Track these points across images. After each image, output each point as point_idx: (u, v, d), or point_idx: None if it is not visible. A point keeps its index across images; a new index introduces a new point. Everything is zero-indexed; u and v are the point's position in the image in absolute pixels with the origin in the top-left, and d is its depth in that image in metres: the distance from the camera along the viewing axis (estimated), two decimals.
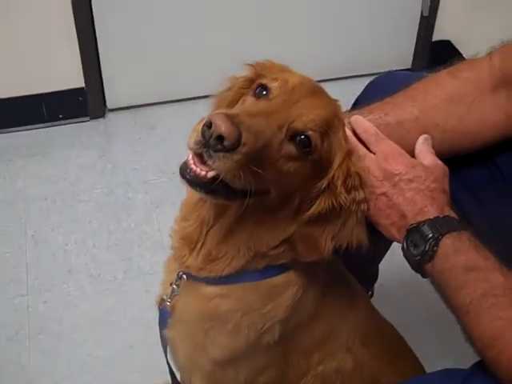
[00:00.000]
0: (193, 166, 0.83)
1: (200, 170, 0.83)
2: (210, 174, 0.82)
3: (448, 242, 0.90)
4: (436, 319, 1.74)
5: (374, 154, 0.99)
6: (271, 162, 0.86)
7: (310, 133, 0.88)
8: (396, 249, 1.32)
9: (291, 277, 1.02)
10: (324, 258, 0.95)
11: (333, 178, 0.92)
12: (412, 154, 1.00)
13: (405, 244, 0.94)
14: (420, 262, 0.92)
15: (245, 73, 1.01)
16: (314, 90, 0.94)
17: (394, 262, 1.58)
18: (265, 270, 1.00)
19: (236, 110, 0.92)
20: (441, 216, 0.92)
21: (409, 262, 0.94)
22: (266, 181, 0.87)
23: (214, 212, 0.98)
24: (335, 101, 0.98)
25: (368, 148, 1.00)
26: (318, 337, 1.09)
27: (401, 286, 1.81)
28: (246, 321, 1.01)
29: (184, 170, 0.84)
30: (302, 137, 0.88)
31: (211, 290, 1.02)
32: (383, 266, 1.60)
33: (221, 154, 0.80)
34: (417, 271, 0.94)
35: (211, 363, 1.06)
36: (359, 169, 0.94)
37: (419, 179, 0.95)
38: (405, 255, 0.94)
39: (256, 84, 0.95)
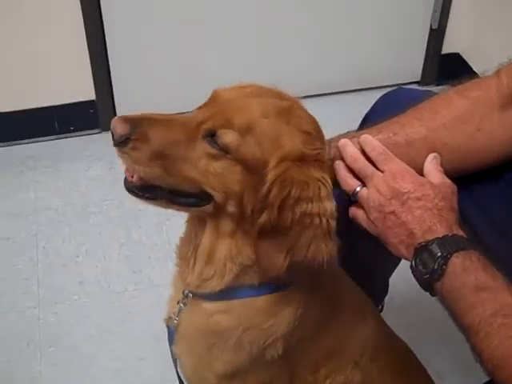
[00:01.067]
0: (125, 173, 0.94)
1: (128, 175, 0.94)
2: (135, 177, 0.93)
3: (457, 261, 0.90)
4: (446, 334, 1.72)
5: (383, 172, 0.99)
6: (191, 160, 0.91)
7: (220, 131, 0.89)
8: (407, 262, 1.33)
9: (291, 293, 1.02)
10: (279, 274, 0.92)
11: (269, 195, 0.89)
12: (421, 174, 1.00)
13: (413, 262, 0.94)
14: (429, 280, 0.92)
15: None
16: (243, 96, 0.94)
17: (404, 275, 1.57)
18: (262, 285, 1.00)
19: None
20: (449, 234, 0.92)
21: (417, 281, 0.95)
22: (196, 181, 0.91)
23: (195, 230, 1.02)
24: (271, 105, 0.94)
25: (376, 167, 1.00)
26: (324, 351, 1.09)
27: (411, 300, 1.80)
28: (247, 337, 1.02)
29: (124, 181, 0.95)
30: (215, 135, 0.90)
31: (211, 306, 1.04)
32: (394, 279, 1.60)
33: (118, 148, 0.90)
34: (426, 290, 0.95)
35: (216, 377, 1.07)
36: (313, 180, 0.90)
37: (428, 197, 0.95)
38: (413, 273, 0.94)
39: None
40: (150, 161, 0.90)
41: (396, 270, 1.55)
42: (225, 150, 0.89)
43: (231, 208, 0.93)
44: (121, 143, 0.89)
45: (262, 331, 1.01)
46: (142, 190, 0.94)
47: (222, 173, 0.91)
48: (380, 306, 1.59)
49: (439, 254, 0.90)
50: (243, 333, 1.01)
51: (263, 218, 0.89)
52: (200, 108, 0.96)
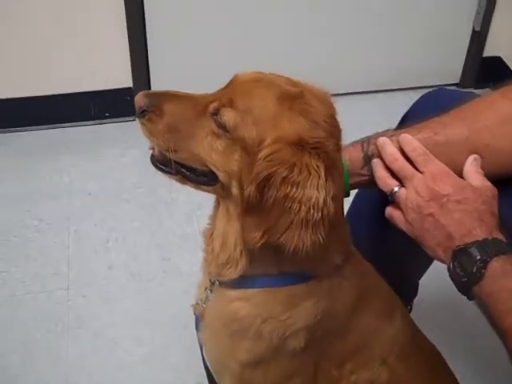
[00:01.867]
0: (149, 148, 1.02)
1: (151, 148, 1.01)
2: (155, 150, 1.00)
3: (496, 265, 0.89)
4: (474, 339, 1.73)
5: (422, 173, 0.98)
6: (198, 136, 0.95)
7: (221, 109, 0.92)
8: (438, 264, 1.32)
9: (312, 287, 1.01)
10: (253, 248, 0.92)
11: (257, 169, 0.89)
12: (460, 175, 0.99)
13: (451, 265, 0.93)
14: (467, 283, 0.91)
15: None
16: (254, 79, 0.96)
17: (434, 278, 1.57)
18: (282, 276, 1.00)
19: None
20: (489, 238, 0.91)
21: (455, 284, 0.94)
22: (201, 158, 0.95)
23: (213, 215, 1.06)
24: (278, 89, 0.93)
25: (416, 168, 0.99)
26: (351, 346, 1.09)
27: (441, 302, 1.80)
28: (267, 327, 1.02)
29: (150, 156, 1.02)
30: (218, 114, 0.93)
31: (231, 293, 1.04)
32: (424, 281, 1.59)
33: (138, 119, 0.98)
34: (463, 293, 0.93)
35: (238, 365, 1.07)
36: (300, 162, 0.87)
37: (468, 201, 0.94)
38: (451, 276, 0.93)
39: None
40: (163, 133, 0.96)
41: (426, 273, 1.54)
42: (223, 129, 0.92)
43: (235, 190, 0.95)
44: (140, 114, 0.97)
45: (281, 322, 1.01)
46: (162, 163, 1.00)
47: (222, 151, 0.93)
48: (409, 307, 1.58)
49: (478, 258, 0.89)
50: (262, 322, 1.02)
51: (246, 191, 0.90)
52: (218, 90, 0.99)
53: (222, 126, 0.92)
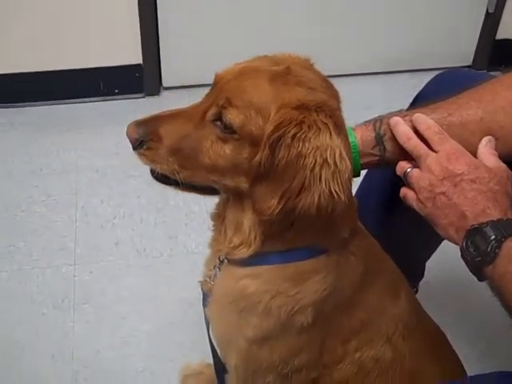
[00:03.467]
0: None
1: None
2: (156, 168, 0.97)
3: (511, 245, 0.88)
4: (480, 321, 1.73)
5: (436, 152, 0.97)
6: (205, 149, 0.93)
7: (223, 110, 0.91)
8: (444, 247, 1.31)
9: (321, 262, 1.01)
10: (270, 218, 0.91)
11: (267, 129, 0.88)
12: (474, 156, 0.98)
13: (464, 244, 0.92)
14: (480, 263, 0.90)
15: None
16: (241, 72, 0.94)
17: (441, 260, 1.57)
18: (289, 252, 1.01)
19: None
20: (504, 218, 0.90)
21: (467, 263, 0.93)
22: (211, 170, 0.94)
23: (222, 201, 1.06)
24: (266, 72, 0.92)
25: (429, 147, 0.98)
26: (356, 324, 1.09)
27: (446, 285, 1.79)
28: (275, 302, 1.02)
29: (150, 170, 1.01)
30: (221, 116, 0.91)
31: (240, 271, 1.05)
32: (431, 263, 1.58)
33: (136, 151, 0.97)
34: (474, 273, 0.93)
35: (245, 341, 1.07)
36: (308, 119, 0.87)
37: (482, 180, 0.93)
38: (463, 256, 0.93)
39: None
40: (165, 157, 0.95)
41: (434, 255, 1.54)
42: (231, 130, 0.90)
43: (244, 185, 0.94)
44: (138, 146, 0.96)
45: (289, 298, 1.02)
46: (164, 178, 0.99)
47: (231, 154, 0.92)
48: (415, 289, 1.58)
49: (493, 237, 0.88)
50: (271, 299, 1.02)
51: (257, 157, 0.88)
52: (205, 96, 0.97)
53: (228, 128, 0.91)
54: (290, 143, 0.86)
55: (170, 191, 2.05)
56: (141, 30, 2.34)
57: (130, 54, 2.39)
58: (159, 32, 2.37)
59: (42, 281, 1.82)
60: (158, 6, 2.31)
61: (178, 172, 0.95)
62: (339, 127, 0.90)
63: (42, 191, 2.09)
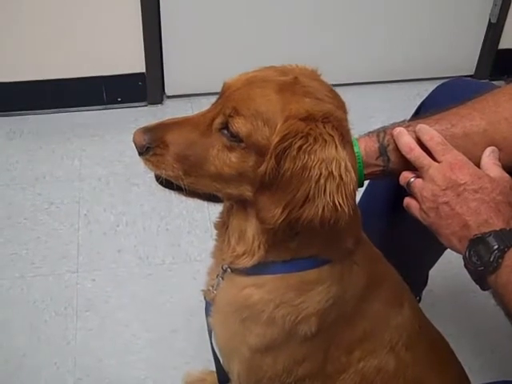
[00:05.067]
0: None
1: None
2: (163, 173, 0.97)
3: None
4: (481, 331, 1.73)
5: (439, 163, 0.97)
6: (211, 158, 0.94)
7: (230, 120, 0.90)
8: (448, 256, 1.31)
9: (324, 272, 1.02)
10: (273, 227, 0.92)
11: (273, 140, 0.89)
12: (478, 167, 0.98)
13: (467, 254, 0.92)
14: (483, 273, 0.91)
15: None
16: (249, 82, 0.94)
17: (444, 268, 1.57)
18: (293, 262, 1.01)
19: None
20: (507, 228, 0.90)
21: (470, 273, 0.93)
22: (218, 176, 0.94)
23: (226, 209, 1.06)
24: (274, 82, 0.93)
25: (432, 158, 0.99)
26: (360, 334, 1.09)
27: (450, 293, 1.80)
28: (279, 311, 1.02)
29: (154, 175, 1.00)
30: (228, 125, 0.91)
31: (244, 280, 1.05)
32: (434, 272, 1.58)
33: (142, 157, 0.96)
34: (477, 282, 0.93)
35: (249, 350, 1.08)
36: (314, 131, 0.87)
37: (485, 190, 0.93)
38: (466, 266, 0.93)
39: None
40: (172, 164, 0.95)
41: (437, 263, 1.54)
42: (237, 139, 0.91)
43: (248, 194, 0.95)
44: (144, 152, 0.96)
45: (293, 307, 1.02)
46: (168, 183, 0.98)
47: (236, 162, 0.92)
48: (418, 298, 1.58)
49: (496, 247, 0.89)
50: (275, 308, 1.02)
51: (263, 167, 0.89)
52: (213, 104, 0.97)
53: (235, 137, 0.91)
54: (296, 155, 0.87)
55: (173, 199, 2.09)
56: (144, 39, 2.34)
57: (133, 62, 2.40)
58: (162, 41, 2.37)
59: (45, 288, 1.82)
60: (161, 15, 2.31)
61: (183, 178, 0.95)
62: (345, 138, 0.91)
63: (45, 199, 2.10)
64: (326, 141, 0.87)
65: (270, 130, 0.89)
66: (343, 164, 0.87)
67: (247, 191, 0.95)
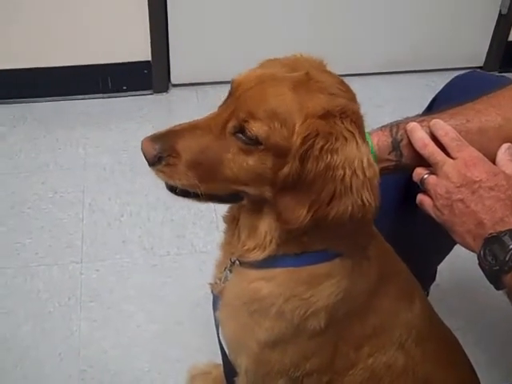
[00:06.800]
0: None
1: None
2: (177, 183, 0.93)
3: None
4: (490, 325, 1.72)
5: (454, 159, 0.96)
6: (227, 162, 0.91)
7: (245, 124, 0.88)
8: (456, 252, 1.30)
9: (335, 265, 1.00)
10: (298, 227, 0.91)
11: (294, 142, 0.88)
12: (493, 163, 0.96)
13: (482, 253, 0.90)
14: (498, 272, 0.89)
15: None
16: (260, 80, 0.91)
17: (453, 263, 1.56)
18: (304, 255, 1.00)
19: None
20: None
21: (484, 272, 0.91)
22: (234, 180, 0.92)
23: (236, 205, 1.05)
24: (287, 80, 0.91)
25: (447, 154, 0.97)
26: (369, 329, 1.08)
27: (458, 288, 1.79)
28: (289, 305, 1.01)
29: (165, 183, 0.97)
30: (243, 129, 0.88)
31: (253, 273, 1.04)
32: (442, 266, 1.57)
33: (153, 167, 0.92)
34: (492, 282, 0.91)
35: (257, 344, 1.07)
36: (335, 129, 0.87)
37: (501, 188, 0.92)
38: (480, 265, 0.91)
39: None
40: (185, 172, 0.91)
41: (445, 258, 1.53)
42: (254, 142, 0.88)
43: (267, 193, 0.93)
44: (156, 162, 0.91)
45: (303, 301, 1.01)
46: (184, 192, 0.95)
47: (254, 165, 0.90)
48: (426, 292, 1.57)
49: (511, 247, 0.87)
50: (284, 302, 1.01)
51: (286, 169, 0.88)
52: (222, 105, 0.95)
53: (253, 140, 0.88)
54: (319, 155, 0.86)
55: None
56: (150, 27, 2.32)
57: (139, 50, 2.38)
58: (169, 29, 2.35)
59: (49, 278, 1.81)
60: (167, 3, 2.29)
61: (199, 186, 0.92)
62: (362, 132, 0.90)
63: (49, 188, 2.08)
64: (346, 138, 0.87)
65: (288, 131, 0.88)
66: (365, 160, 0.87)
67: (267, 191, 0.93)
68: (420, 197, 1.01)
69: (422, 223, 1.07)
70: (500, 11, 2.49)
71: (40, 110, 2.39)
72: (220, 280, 1.11)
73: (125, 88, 2.46)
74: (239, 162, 0.91)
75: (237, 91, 0.92)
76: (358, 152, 0.87)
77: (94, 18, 2.29)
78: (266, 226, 0.98)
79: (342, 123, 0.87)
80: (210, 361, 1.55)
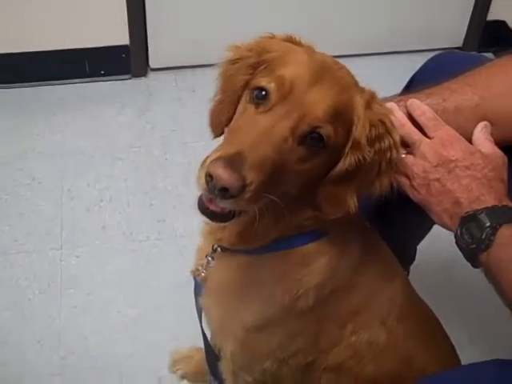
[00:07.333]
0: (209, 205, 0.86)
1: (216, 207, 0.85)
2: (227, 210, 0.86)
3: (506, 233, 0.87)
4: (469, 303, 1.74)
5: (431, 138, 0.96)
6: (286, 173, 0.87)
7: (318, 130, 0.86)
8: (435, 231, 1.30)
9: (324, 244, 1.02)
10: (350, 213, 0.93)
11: (355, 135, 0.89)
12: (470, 142, 0.97)
13: (459, 231, 0.91)
14: (474, 250, 0.90)
15: (247, 45, 0.97)
16: (316, 77, 0.88)
17: (432, 243, 1.56)
18: (296, 237, 1.00)
19: (236, 134, 0.89)
20: (499, 205, 0.89)
21: (461, 250, 0.92)
22: (286, 187, 0.89)
23: None
24: (342, 71, 0.92)
25: (424, 133, 0.97)
26: (352, 307, 1.09)
27: (437, 268, 1.80)
28: (281, 287, 1.02)
29: (202, 206, 0.87)
30: (313, 135, 0.86)
31: (244, 259, 1.04)
32: (421, 246, 1.58)
33: (231, 200, 0.81)
34: (469, 260, 0.92)
35: (244, 329, 1.07)
36: (382, 116, 0.90)
37: (477, 167, 0.92)
38: (457, 243, 0.92)
39: (252, 86, 0.91)
40: (259, 197, 0.83)
41: (425, 238, 1.53)
42: (321, 144, 0.87)
43: (297, 191, 0.92)
44: (237, 193, 0.81)
45: (295, 282, 1.02)
46: (221, 216, 0.88)
47: (315, 166, 0.89)
48: (406, 272, 1.57)
49: (488, 224, 0.88)
50: (277, 284, 1.02)
51: (344, 164, 0.89)
52: (272, 107, 0.87)
53: (320, 143, 0.86)
54: (374, 143, 0.89)
55: (157, 173, 2.07)
56: (127, 10, 2.29)
57: (117, 34, 2.35)
58: (146, 12, 2.32)
59: (28, 265, 1.79)
60: None
61: (268, 200, 0.85)
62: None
63: (27, 174, 2.06)
64: (385, 122, 0.90)
65: (345, 127, 0.88)
66: (398, 141, 0.92)
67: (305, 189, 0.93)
68: (397, 177, 1.01)
69: (401, 203, 1.07)
70: None
71: (16, 96, 2.35)
72: (202, 267, 1.11)
73: (103, 73, 2.42)
74: (303, 167, 0.88)
75: (292, 93, 0.87)
76: (396, 130, 0.91)
77: (70, 2, 2.25)
78: (267, 220, 0.92)
79: (379, 109, 0.91)
80: (192, 345, 1.55)
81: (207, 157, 0.84)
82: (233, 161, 0.80)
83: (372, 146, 0.89)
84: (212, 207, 0.85)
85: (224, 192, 0.80)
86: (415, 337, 1.14)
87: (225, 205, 0.83)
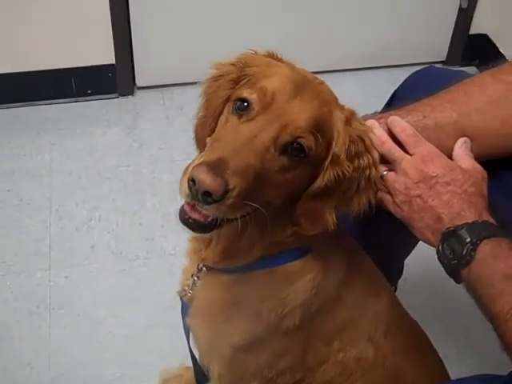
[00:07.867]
0: (190, 213, 0.86)
1: (199, 216, 0.85)
2: (209, 218, 0.86)
3: (486, 248, 0.88)
4: (456, 319, 1.74)
5: (411, 155, 0.97)
6: (268, 182, 0.87)
7: (299, 140, 0.87)
8: (422, 245, 1.31)
9: (309, 262, 1.02)
10: (329, 230, 0.94)
11: (335, 150, 0.90)
12: (450, 159, 0.98)
13: (440, 247, 0.92)
14: (456, 266, 0.90)
15: (230, 61, 0.98)
16: (297, 90, 0.89)
17: (419, 257, 1.57)
18: (280, 255, 1.01)
19: (219, 142, 0.89)
20: (479, 221, 0.90)
21: (443, 266, 0.93)
22: (268, 197, 0.89)
23: None
24: (322, 86, 0.94)
25: (405, 150, 0.98)
26: (339, 323, 1.09)
27: (425, 282, 1.80)
28: (266, 306, 1.02)
29: (183, 216, 0.87)
30: (294, 145, 0.87)
31: (230, 278, 1.04)
32: (409, 261, 1.58)
33: (213, 205, 0.81)
34: (451, 276, 0.93)
35: (231, 349, 1.07)
36: (361, 132, 0.92)
37: (457, 182, 0.93)
38: (439, 259, 0.93)
39: (235, 97, 0.92)
40: (241, 204, 0.83)
41: (412, 252, 1.54)
42: (300, 156, 0.88)
43: (279, 202, 0.92)
44: (220, 197, 0.81)
45: (281, 300, 1.02)
46: (203, 226, 0.87)
47: (296, 177, 0.90)
48: (394, 287, 1.58)
49: (468, 240, 0.88)
50: (262, 303, 1.02)
51: (323, 179, 0.90)
52: (257, 116, 0.88)
53: (301, 153, 0.87)
54: (353, 159, 0.91)
55: (145, 192, 2.07)
56: (113, 30, 2.30)
57: (103, 53, 2.35)
58: (132, 31, 2.33)
59: (17, 287, 1.79)
60: (129, 5, 2.27)
61: (250, 208, 0.86)
62: None
63: (15, 195, 2.06)
64: (370, 140, 0.93)
65: (325, 140, 0.90)
66: (377, 159, 0.94)
67: (288, 201, 0.93)
68: (379, 194, 1.02)
69: (386, 218, 1.08)
70: (460, 5, 2.51)
71: (4, 117, 2.35)
72: (188, 287, 1.11)
73: (89, 92, 2.43)
74: (285, 177, 0.89)
75: (274, 103, 0.88)
76: (375, 149, 0.93)
77: (56, 22, 2.26)
78: (250, 234, 0.94)
79: (358, 126, 0.92)
80: (182, 364, 1.54)
81: (189, 164, 0.84)
82: (216, 166, 0.81)
83: (351, 162, 0.90)
84: (194, 215, 0.85)
85: (207, 197, 0.80)
86: (403, 352, 1.14)
87: (207, 211, 0.83)
